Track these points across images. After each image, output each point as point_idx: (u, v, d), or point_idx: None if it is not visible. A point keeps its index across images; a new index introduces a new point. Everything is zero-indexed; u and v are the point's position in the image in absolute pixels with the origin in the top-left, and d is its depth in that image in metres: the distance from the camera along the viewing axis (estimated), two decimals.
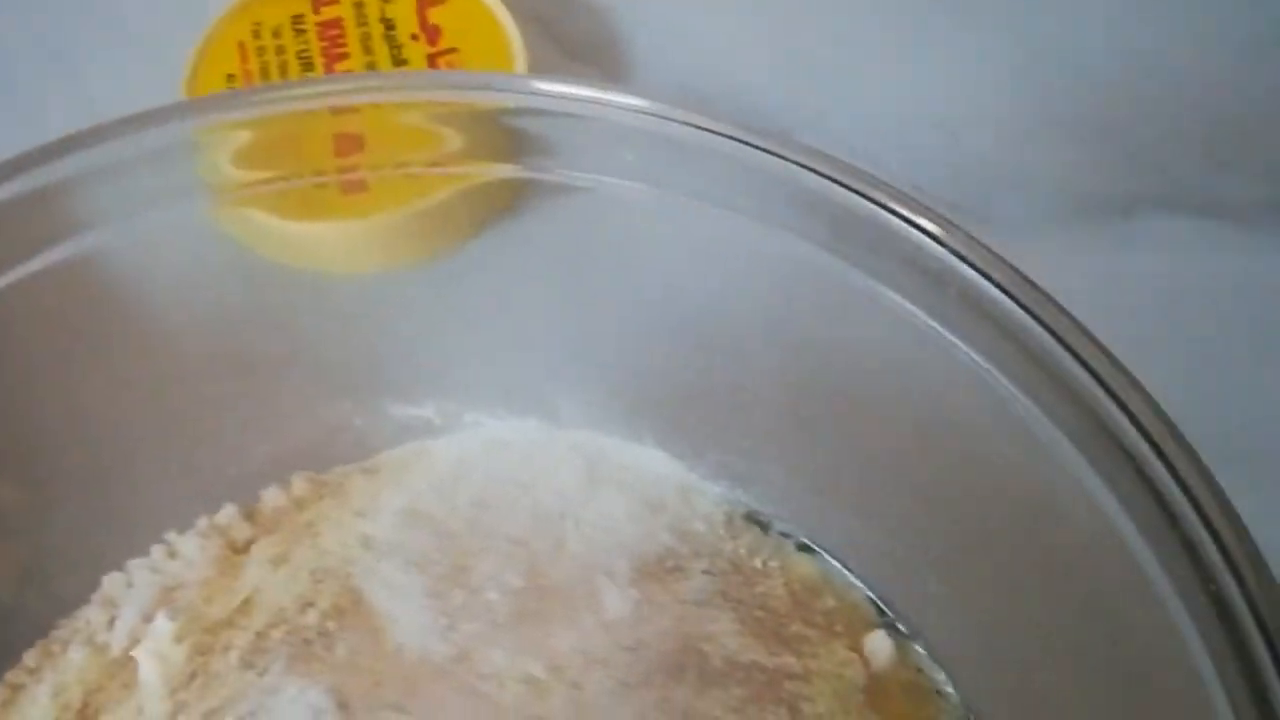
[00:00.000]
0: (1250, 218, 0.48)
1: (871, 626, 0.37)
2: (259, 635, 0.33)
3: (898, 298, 0.32)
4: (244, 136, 0.37)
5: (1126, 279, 0.48)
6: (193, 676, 0.33)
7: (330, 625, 0.33)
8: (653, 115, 0.35)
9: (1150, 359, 0.44)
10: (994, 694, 0.36)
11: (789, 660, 0.35)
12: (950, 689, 0.36)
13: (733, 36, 0.55)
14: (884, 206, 0.32)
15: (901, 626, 0.38)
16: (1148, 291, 0.47)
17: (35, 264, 0.36)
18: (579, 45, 0.55)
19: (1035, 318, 0.30)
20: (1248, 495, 0.35)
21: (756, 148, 0.33)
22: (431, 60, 0.50)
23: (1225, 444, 0.42)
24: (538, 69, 0.51)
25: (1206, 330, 0.46)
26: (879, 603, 0.38)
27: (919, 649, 0.37)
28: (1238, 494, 0.31)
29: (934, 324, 0.32)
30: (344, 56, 0.51)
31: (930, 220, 0.31)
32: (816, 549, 0.39)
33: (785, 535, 0.39)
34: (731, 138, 0.34)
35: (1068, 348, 0.30)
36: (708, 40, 0.55)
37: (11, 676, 0.37)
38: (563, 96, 0.36)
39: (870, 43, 0.54)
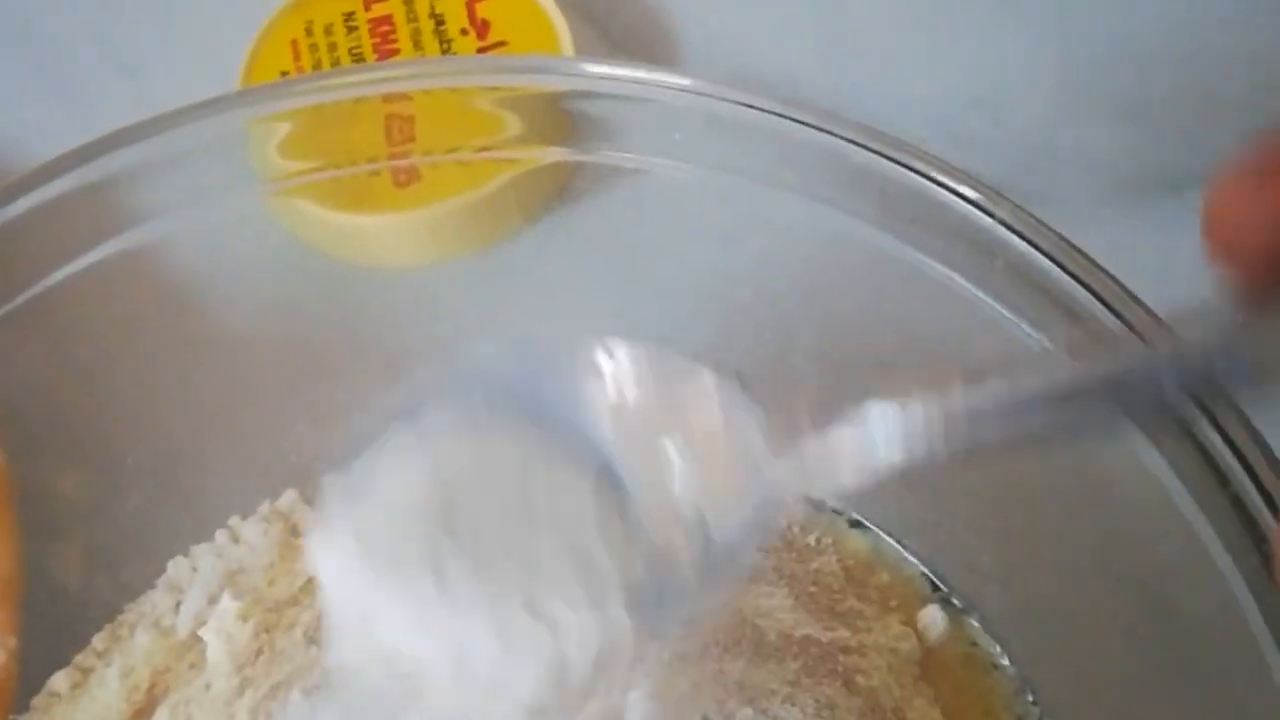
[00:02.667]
0: None
1: (925, 601, 0.38)
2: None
3: (945, 270, 0.33)
4: (297, 125, 0.38)
5: (1177, 260, 0.47)
6: (259, 653, 0.33)
7: None
8: (703, 95, 0.35)
9: None
10: (1050, 666, 0.36)
11: (843, 634, 0.35)
12: (1006, 662, 0.36)
13: (776, 22, 0.55)
14: (929, 178, 0.32)
15: (956, 601, 0.38)
16: (1199, 271, 0.46)
17: (95, 255, 0.37)
18: (626, 36, 0.55)
19: (1085, 285, 0.30)
20: None
21: (805, 124, 0.34)
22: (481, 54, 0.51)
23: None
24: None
25: None
26: (932, 577, 0.38)
27: (974, 623, 0.37)
28: None
29: (982, 295, 0.32)
30: (395, 52, 0.51)
31: (976, 191, 0.31)
32: (869, 525, 0.39)
33: (837, 512, 0.39)
34: (780, 115, 0.34)
35: (1118, 315, 0.30)
36: (751, 28, 0.55)
37: (80, 659, 0.38)
38: (616, 79, 0.36)
39: (913, 23, 0.54)
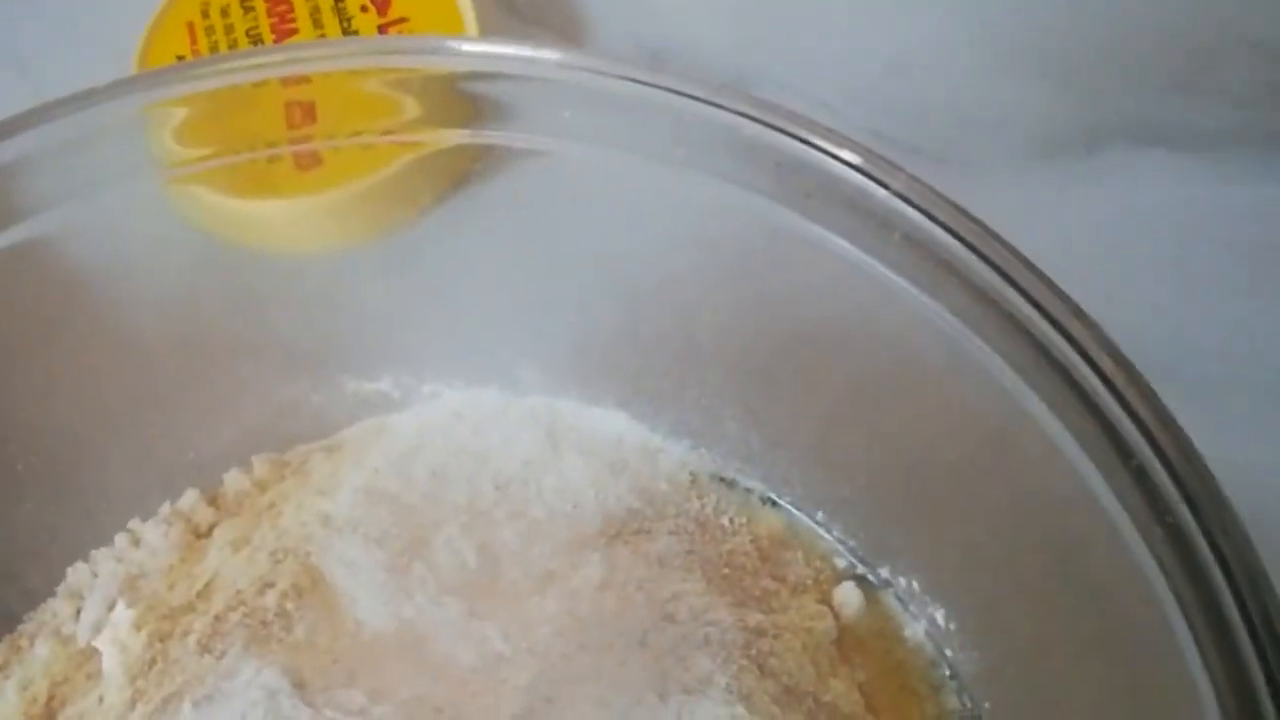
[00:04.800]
0: (1217, 147, 0.47)
1: (841, 578, 0.37)
2: (217, 619, 0.33)
3: (844, 243, 0.32)
4: (194, 110, 0.37)
5: (1092, 214, 0.47)
6: (152, 663, 0.32)
7: (289, 605, 0.33)
8: (588, 71, 0.34)
9: (1118, 292, 0.43)
10: (966, 639, 0.35)
11: (758, 617, 0.34)
12: (923, 636, 0.36)
13: None
14: (823, 151, 0.31)
15: (871, 577, 0.37)
16: (1113, 226, 0.46)
17: None
18: (532, 9, 0.54)
19: (980, 255, 0.29)
20: (1213, 422, 0.34)
21: (695, 99, 0.33)
22: (382, 31, 0.50)
23: (1197, 373, 0.42)
24: (491, 35, 0.50)
25: (1174, 261, 0.45)
26: (847, 554, 0.38)
27: (889, 598, 0.37)
28: (1203, 421, 0.30)
29: (882, 268, 0.32)
30: (294, 32, 0.50)
31: (870, 163, 0.31)
32: (782, 503, 0.38)
33: (750, 490, 0.39)
34: (671, 90, 0.33)
35: (1012, 282, 0.29)
36: None
37: None
38: (507, 58, 0.35)
39: None
